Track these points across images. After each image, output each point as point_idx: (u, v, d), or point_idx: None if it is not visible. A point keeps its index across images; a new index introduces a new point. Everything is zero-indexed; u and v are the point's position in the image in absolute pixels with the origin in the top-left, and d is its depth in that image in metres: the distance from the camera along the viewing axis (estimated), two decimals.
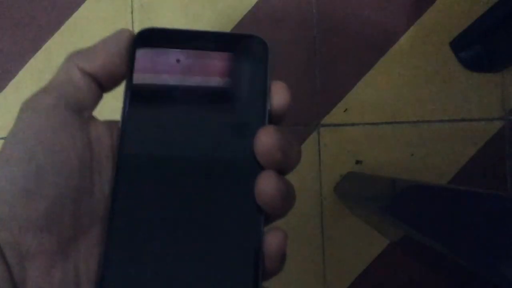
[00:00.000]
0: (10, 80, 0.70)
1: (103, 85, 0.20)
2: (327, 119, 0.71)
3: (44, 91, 0.19)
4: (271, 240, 0.19)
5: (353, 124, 0.71)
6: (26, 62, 0.70)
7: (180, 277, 0.18)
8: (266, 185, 0.19)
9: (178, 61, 0.20)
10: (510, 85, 0.72)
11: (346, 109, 0.71)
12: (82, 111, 0.19)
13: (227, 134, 0.20)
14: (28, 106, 0.19)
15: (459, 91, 0.72)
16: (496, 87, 0.72)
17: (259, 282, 0.18)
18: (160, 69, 0.20)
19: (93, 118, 0.20)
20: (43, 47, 0.71)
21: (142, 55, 0.20)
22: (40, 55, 0.71)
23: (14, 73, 0.70)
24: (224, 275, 0.18)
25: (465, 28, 0.71)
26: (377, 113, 0.71)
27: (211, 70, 0.20)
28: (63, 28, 0.71)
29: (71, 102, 0.19)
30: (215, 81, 0.20)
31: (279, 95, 0.21)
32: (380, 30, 0.72)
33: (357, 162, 0.71)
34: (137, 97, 0.20)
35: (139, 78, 0.20)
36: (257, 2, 0.71)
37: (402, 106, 0.72)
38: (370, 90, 0.72)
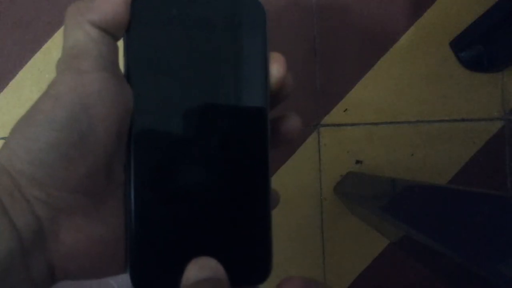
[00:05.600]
0: (10, 80, 0.70)
1: (114, 36, 0.20)
2: (327, 119, 0.71)
3: (75, 54, 0.19)
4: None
5: (353, 124, 0.71)
6: (26, 62, 0.70)
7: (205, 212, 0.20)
8: None
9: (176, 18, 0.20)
10: (510, 85, 0.72)
11: (346, 109, 0.71)
12: (115, 70, 0.19)
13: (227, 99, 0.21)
14: (67, 68, 0.18)
15: (459, 91, 0.72)
16: (496, 87, 0.72)
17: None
18: (158, 21, 0.20)
19: (124, 78, 0.20)
20: (43, 47, 0.71)
21: (139, 10, 0.20)
22: (40, 55, 0.71)
23: (14, 73, 0.70)
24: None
25: (465, 28, 0.71)
26: (377, 113, 0.71)
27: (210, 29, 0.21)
28: (63, 28, 0.71)
29: (105, 63, 0.19)
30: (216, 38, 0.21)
31: (276, 65, 0.21)
32: (380, 30, 0.72)
33: (357, 162, 0.71)
34: (137, 48, 0.20)
35: (138, 29, 0.20)
36: None
37: (402, 106, 0.72)
38: (370, 90, 0.71)
